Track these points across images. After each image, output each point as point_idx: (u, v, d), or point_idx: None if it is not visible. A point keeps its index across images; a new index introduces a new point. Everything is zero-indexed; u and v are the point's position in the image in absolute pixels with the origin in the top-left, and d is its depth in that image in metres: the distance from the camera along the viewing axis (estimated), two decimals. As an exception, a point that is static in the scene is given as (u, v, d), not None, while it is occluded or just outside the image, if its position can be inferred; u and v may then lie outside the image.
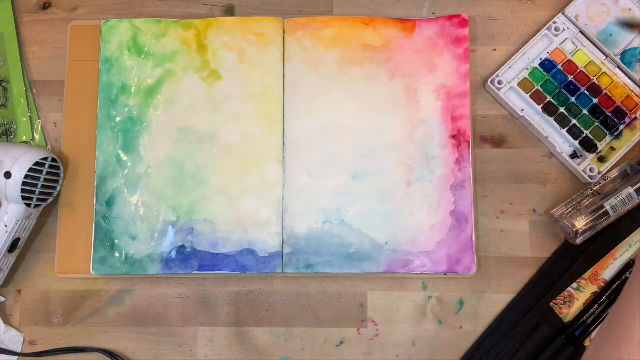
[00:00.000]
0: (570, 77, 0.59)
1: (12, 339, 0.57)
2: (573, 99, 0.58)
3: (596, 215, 0.54)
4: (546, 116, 0.58)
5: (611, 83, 0.58)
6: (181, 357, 0.57)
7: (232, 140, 0.58)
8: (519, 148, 0.59)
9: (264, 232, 0.57)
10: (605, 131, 0.58)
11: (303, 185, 0.57)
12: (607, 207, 0.54)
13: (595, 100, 0.58)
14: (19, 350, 0.57)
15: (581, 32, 0.60)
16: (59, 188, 0.59)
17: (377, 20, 0.60)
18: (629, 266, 0.56)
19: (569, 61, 0.59)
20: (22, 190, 0.54)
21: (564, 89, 0.58)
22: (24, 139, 0.61)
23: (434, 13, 0.62)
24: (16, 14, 0.63)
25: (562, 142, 0.58)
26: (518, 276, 0.57)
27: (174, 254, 0.57)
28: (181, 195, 0.57)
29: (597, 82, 0.58)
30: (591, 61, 0.59)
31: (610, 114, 0.58)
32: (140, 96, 0.59)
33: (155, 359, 0.57)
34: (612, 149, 0.57)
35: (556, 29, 0.60)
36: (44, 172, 0.56)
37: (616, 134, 0.57)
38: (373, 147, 0.58)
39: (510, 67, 0.59)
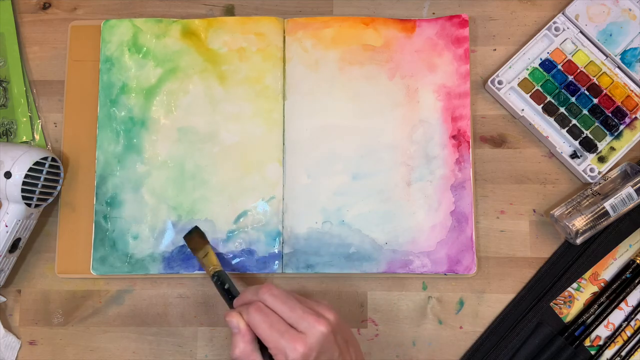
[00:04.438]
0: (570, 77, 0.59)
1: (9, 344, 0.57)
2: (573, 99, 0.58)
3: (596, 215, 0.54)
4: (546, 116, 0.58)
5: (611, 83, 0.58)
6: (181, 357, 0.57)
7: (232, 140, 0.58)
8: (519, 148, 0.59)
9: (264, 232, 0.57)
10: (605, 131, 0.58)
11: (303, 185, 0.57)
12: (607, 207, 0.54)
13: (595, 100, 0.58)
14: (13, 358, 0.57)
15: (581, 32, 0.60)
16: (59, 188, 0.59)
17: (377, 21, 0.60)
18: (628, 266, 0.56)
19: (569, 61, 0.59)
20: (22, 190, 0.54)
21: (564, 89, 0.58)
22: (24, 139, 0.61)
23: (434, 13, 0.62)
24: (16, 14, 0.63)
25: (562, 142, 0.58)
26: (518, 276, 0.57)
27: (175, 253, 0.57)
28: (182, 195, 0.57)
29: (597, 82, 0.58)
30: (591, 61, 0.59)
31: (610, 114, 0.58)
32: (141, 96, 0.59)
33: (155, 359, 0.57)
34: (612, 149, 0.57)
35: (556, 29, 0.60)
36: (44, 172, 0.56)
37: (616, 134, 0.57)
38: (373, 147, 0.58)
39: (510, 67, 0.59)
